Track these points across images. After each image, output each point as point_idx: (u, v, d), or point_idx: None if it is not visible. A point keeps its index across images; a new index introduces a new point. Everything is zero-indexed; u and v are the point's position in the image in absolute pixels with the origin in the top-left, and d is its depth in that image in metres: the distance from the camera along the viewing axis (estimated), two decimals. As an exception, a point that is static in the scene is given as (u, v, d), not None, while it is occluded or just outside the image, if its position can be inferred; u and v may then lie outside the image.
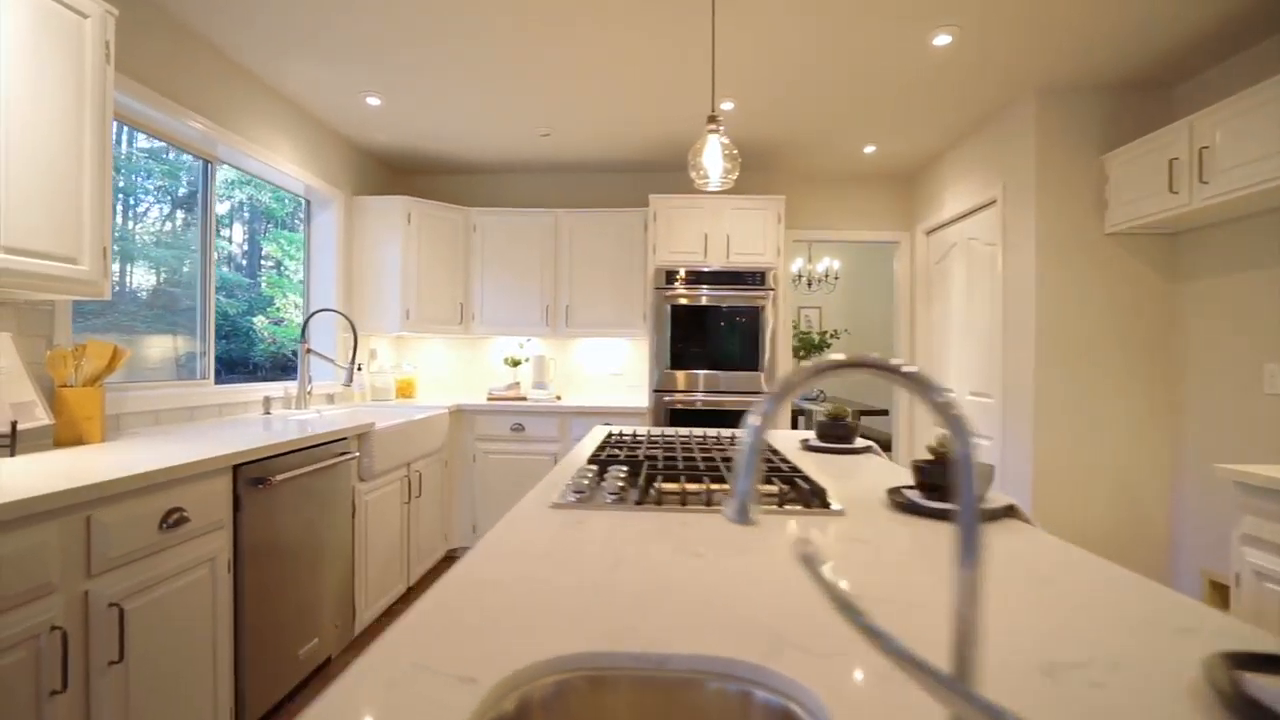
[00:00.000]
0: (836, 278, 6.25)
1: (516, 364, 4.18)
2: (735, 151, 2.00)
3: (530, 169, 4.33)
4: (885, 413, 5.44)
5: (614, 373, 4.37)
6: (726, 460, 1.55)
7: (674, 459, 1.59)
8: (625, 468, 1.46)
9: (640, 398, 4.19)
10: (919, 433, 4.31)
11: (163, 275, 2.69)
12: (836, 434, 2.09)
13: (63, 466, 1.49)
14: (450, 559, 3.73)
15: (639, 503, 1.22)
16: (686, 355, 3.70)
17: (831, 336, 6.52)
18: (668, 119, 3.38)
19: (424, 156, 4.07)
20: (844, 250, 6.42)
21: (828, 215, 4.43)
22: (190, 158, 2.74)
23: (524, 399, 3.92)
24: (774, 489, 1.26)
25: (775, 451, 1.72)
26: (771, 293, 3.69)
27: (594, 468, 1.47)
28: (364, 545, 2.59)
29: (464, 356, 4.41)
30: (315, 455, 2.18)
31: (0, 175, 1.45)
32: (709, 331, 3.70)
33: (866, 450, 2.03)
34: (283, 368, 3.43)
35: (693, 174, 2.05)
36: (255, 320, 3.40)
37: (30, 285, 1.54)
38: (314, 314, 3.15)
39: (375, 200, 3.79)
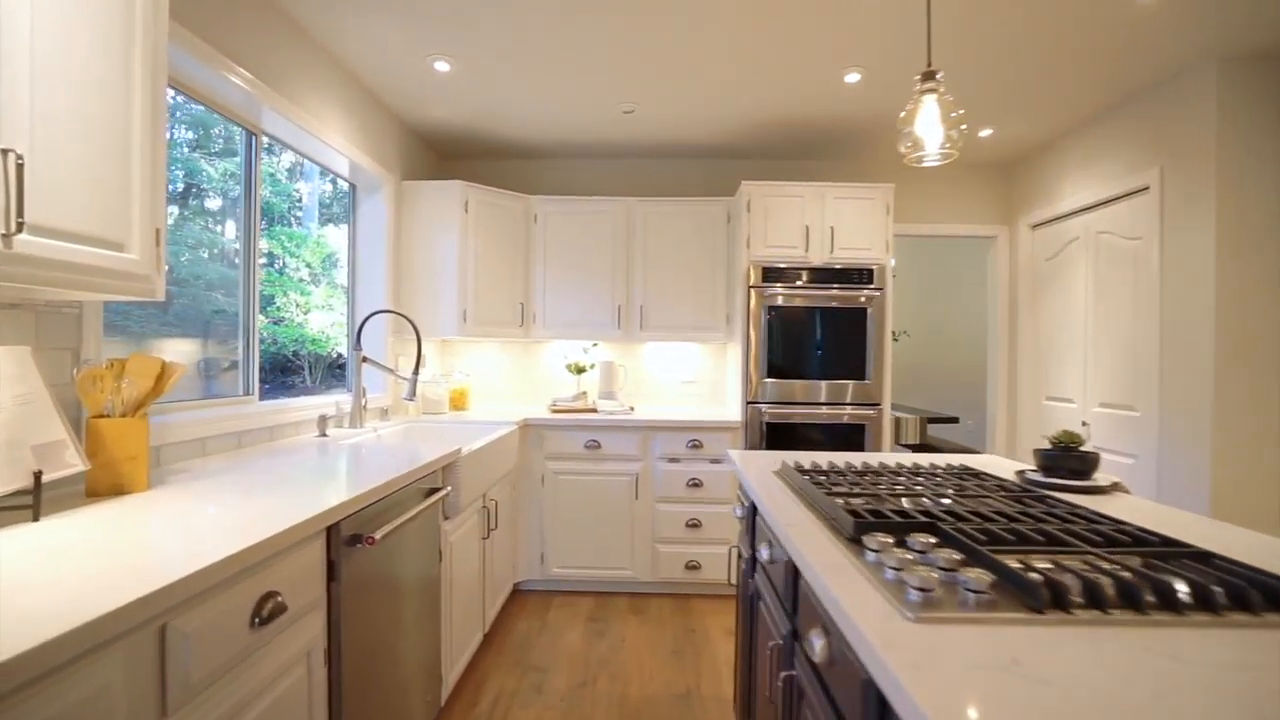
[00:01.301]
0: (894, 275, 5.82)
1: (581, 371, 3.74)
2: (961, 113, 1.56)
3: (599, 153, 3.87)
4: (955, 420, 5.03)
5: (686, 380, 3.93)
6: (1054, 517, 1.09)
7: (974, 518, 1.14)
8: (930, 536, 1.01)
9: (721, 409, 3.75)
10: (1024, 438, 3.89)
11: (184, 260, 2.23)
12: (1070, 467, 1.65)
13: (111, 538, 1.04)
14: (517, 593, 3.28)
15: (1037, 609, 0.78)
16: (785, 362, 3.26)
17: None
18: (772, 94, 2.94)
19: (480, 138, 3.61)
20: (902, 245, 6.00)
21: (918, 208, 4.00)
22: (215, 137, 2.28)
23: (594, 411, 3.48)
24: (1181, 585, 0.82)
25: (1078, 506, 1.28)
26: (879, 293, 3.26)
27: (888, 538, 1.02)
28: (449, 596, 2.14)
29: (520, 363, 3.96)
30: (406, 497, 1.73)
31: (25, 129, 0.99)
32: (810, 336, 3.27)
33: (1113, 488, 1.60)
34: (282, 369, 3.18)
35: (901, 147, 1.61)
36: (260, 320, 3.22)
37: (63, 280, 1.09)
38: (371, 315, 2.69)
39: (429, 186, 3.33)
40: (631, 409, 3.51)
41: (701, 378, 3.94)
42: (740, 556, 1.98)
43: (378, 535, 1.45)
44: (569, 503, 3.27)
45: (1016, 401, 3.94)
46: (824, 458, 1.95)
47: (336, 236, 3.14)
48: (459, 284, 3.30)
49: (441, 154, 3.91)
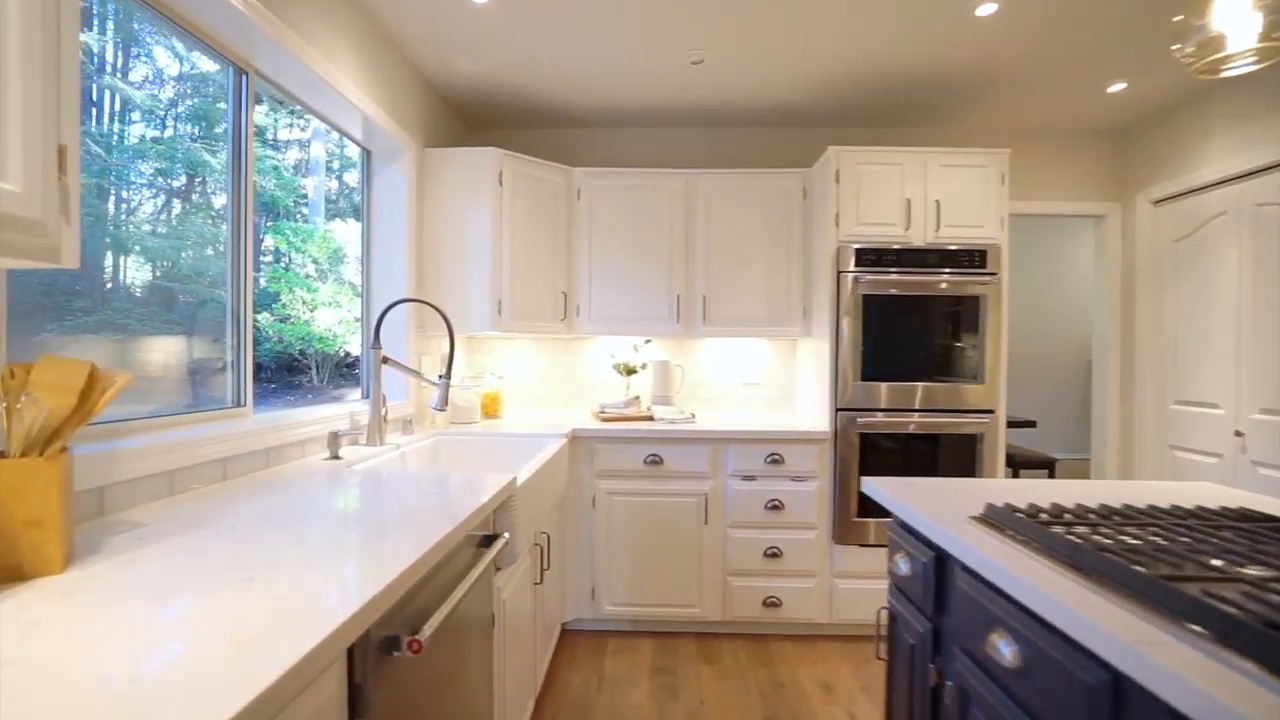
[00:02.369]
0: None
1: (631, 372, 3.22)
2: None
3: (652, 119, 3.34)
4: (1033, 424, 4.48)
5: (750, 383, 3.41)
6: None
7: None
8: None
9: (791, 416, 3.22)
10: (1145, 449, 3.34)
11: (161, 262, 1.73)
12: None
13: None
14: (565, 634, 2.77)
15: None
16: (882, 362, 2.74)
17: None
18: (880, 35, 2.41)
19: (514, 100, 3.10)
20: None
21: (1016, 182, 3.46)
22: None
23: (649, 419, 2.96)
24: None
25: None
26: (993, 279, 2.73)
27: None
28: (502, 660, 1.63)
29: (559, 362, 3.45)
30: (454, 551, 1.22)
31: None
32: (913, 331, 2.74)
33: None
34: (288, 368, 3.06)
35: (1184, 50, 1.08)
36: (260, 317, 3.03)
37: None
38: (394, 305, 2.18)
39: (458, 154, 2.82)
40: (693, 417, 2.99)
41: (767, 380, 3.41)
42: (893, 624, 1.46)
43: (424, 635, 0.94)
44: (625, 528, 2.75)
45: (1133, 406, 3.40)
46: (1027, 493, 1.42)
47: (345, 233, 2.70)
48: (492, 270, 2.78)
49: (469, 122, 3.40)
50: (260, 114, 3.72)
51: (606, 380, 3.41)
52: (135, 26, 1.60)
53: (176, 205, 1.77)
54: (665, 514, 2.74)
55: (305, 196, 4.05)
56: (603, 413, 3.02)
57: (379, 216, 2.68)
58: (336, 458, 1.86)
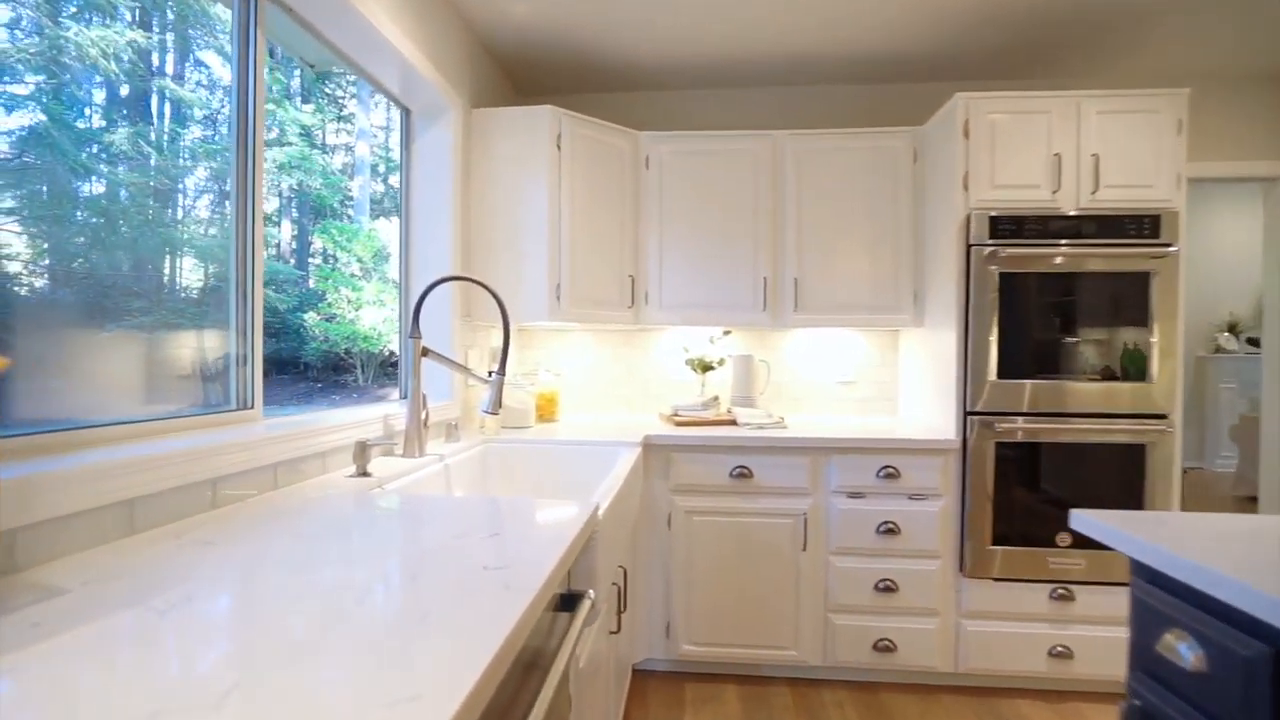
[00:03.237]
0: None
1: (708, 368, 2.78)
2: None
3: (731, 76, 2.89)
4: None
5: (844, 380, 2.93)
6: None
7: None
8: None
9: (892, 420, 2.73)
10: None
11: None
12: None
13: None
14: (635, 677, 2.35)
15: None
16: (1024, 356, 2.23)
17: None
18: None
19: (570, 56, 2.69)
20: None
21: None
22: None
23: (732, 423, 2.52)
24: None
25: None
26: (1169, 252, 2.19)
27: None
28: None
29: (620, 357, 3.03)
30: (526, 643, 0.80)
31: None
32: (1062, 317, 2.23)
33: None
34: (334, 368, 3.13)
35: None
36: (306, 316, 3.11)
37: None
38: (437, 284, 1.77)
39: (510, 113, 2.42)
40: (782, 421, 2.53)
41: (863, 377, 2.92)
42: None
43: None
44: (707, 554, 2.32)
45: (1319, 410, 2.79)
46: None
47: (388, 232, 2.45)
48: (549, 250, 2.38)
49: (520, 86, 3.01)
50: (308, 114, 3.54)
51: (676, 379, 2.98)
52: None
53: (226, 207, 1.51)
54: (755, 537, 2.30)
55: (351, 197, 3.91)
56: (676, 416, 2.59)
57: (419, 187, 2.30)
58: (365, 474, 1.47)
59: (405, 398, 2.26)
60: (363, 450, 1.47)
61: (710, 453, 2.30)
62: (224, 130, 1.50)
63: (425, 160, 2.29)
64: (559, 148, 2.40)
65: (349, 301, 3.36)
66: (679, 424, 2.51)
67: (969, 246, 2.24)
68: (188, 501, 1.08)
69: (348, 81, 3.54)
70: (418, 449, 1.70)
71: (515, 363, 2.93)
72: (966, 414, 2.24)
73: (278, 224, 3.23)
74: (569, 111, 2.42)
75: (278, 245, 3.24)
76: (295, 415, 1.59)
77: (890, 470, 2.25)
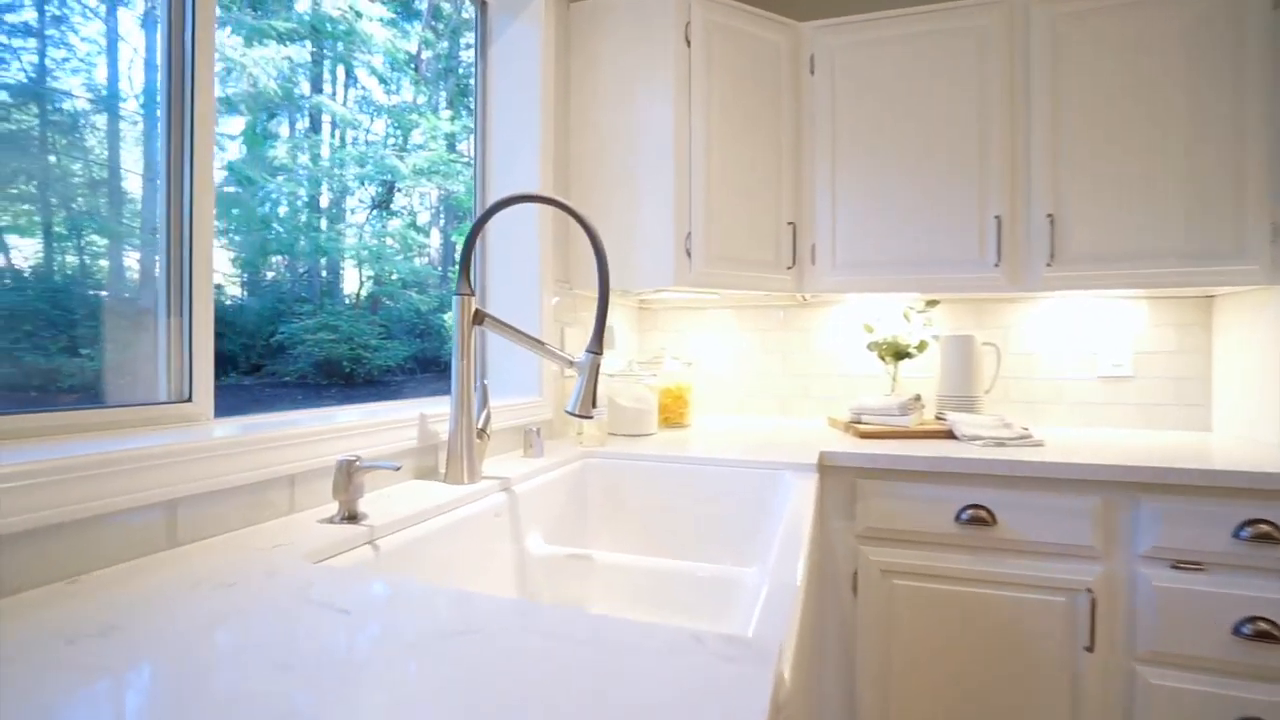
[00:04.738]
0: None
1: (902, 355, 1.94)
2: None
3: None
4: None
5: (1113, 374, 1.95)
6: None
7: None
8: None
9: (1204, 435, 1.72)
10: None
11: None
12: None
13: None
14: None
15: None
16: None
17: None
18: None
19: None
20: None
21: None
22: None
23: (947, 434, 1.67)
24: None
25: None
26: None
27: None
28: None
29: (772, 340, 2.27)
30: None
31: None
32: None
33: None
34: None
35: None
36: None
37: None
38: (497, 208, 1.11)
39: (618, 1, 1.76)
40: (1028, 433, 1.63)
41: (1147, 371, 1.93)
42: None
43: None
44: (914, 641, 1.49)
45: None
46: None
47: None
48: (676, 188, 1.68)
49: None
50: (446, 120, 3.56)
51: (853, 370, 2.16)
52: None
53: (375, 215, 1.22)
54: (998, 621, 1.44)
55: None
56: (859, 423, 1.79)
57: (498, 105, 1.70)
58: (351, 517, 0.85)
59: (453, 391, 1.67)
60: (347, 476, 0.85)
61: (920, 482, 1.48)
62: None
63: (506, 68, 1.69)
64: (689, 44, 1.70)
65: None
66: (863, 434, 1.71)
67: None
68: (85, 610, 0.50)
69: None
70: (464, 471, 1.08)
71: (633, 347, 2.28)
72: None
73: (427, 232, 3.44)
74: (703, -9, 1.71)
75: (428, 251, 3.42)
76: (274, 416, 1.02)
77: (1260, 526, 1.30)
